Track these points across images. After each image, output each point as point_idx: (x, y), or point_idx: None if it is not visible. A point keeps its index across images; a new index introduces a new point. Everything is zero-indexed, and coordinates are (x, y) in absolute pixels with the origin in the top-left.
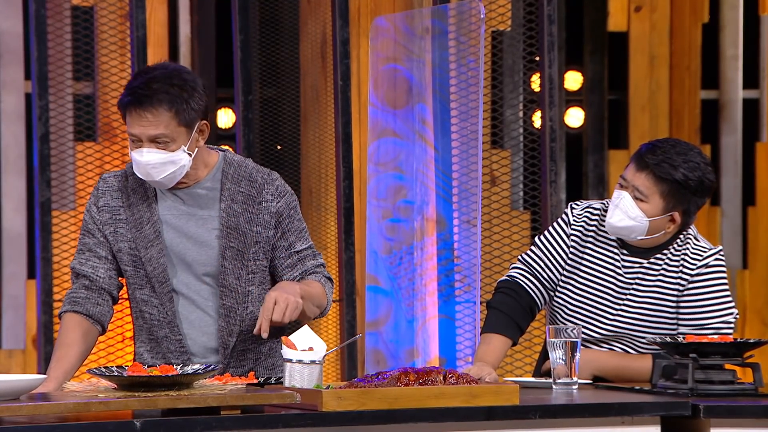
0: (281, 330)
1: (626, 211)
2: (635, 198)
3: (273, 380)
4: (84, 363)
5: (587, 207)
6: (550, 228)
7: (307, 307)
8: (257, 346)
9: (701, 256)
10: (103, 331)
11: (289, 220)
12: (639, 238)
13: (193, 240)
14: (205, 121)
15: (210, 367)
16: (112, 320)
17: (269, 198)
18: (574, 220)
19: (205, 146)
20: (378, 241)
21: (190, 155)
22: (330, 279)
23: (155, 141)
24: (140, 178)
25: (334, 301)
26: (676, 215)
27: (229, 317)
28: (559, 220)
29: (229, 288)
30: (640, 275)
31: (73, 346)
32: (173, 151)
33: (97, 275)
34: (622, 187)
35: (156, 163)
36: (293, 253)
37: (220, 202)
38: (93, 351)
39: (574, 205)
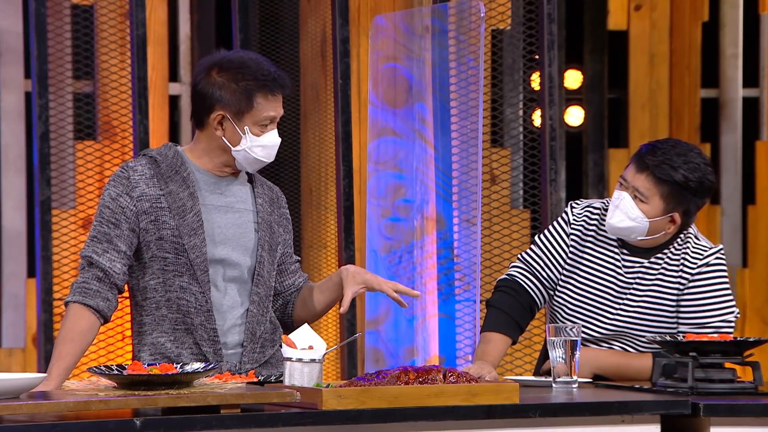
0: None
1: (626, 212)
2: (635, 199)
3: (273, 379)
4: (84, 360)
5: (587, 206)
6: (550, 227)
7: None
8: (275, 336)
9: (702, 255)
10: (106, 323)
11: (290, 231)
12: (639, 238)
13: (233, 231)
14: None
15: (210, 366)
16: (112, 319)
17: (284, 205)
18: (574, 219)
19: None
20: (377, 240)
21: None
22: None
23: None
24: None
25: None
26: (677, 216)
27: (260, 306)
28: (559, 219)
29: (263, 279)
30: (640, 275)
31: (77, 342)
32: None
33: (113, 270)
34: (621, 187)
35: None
36: (294, 261)
37: (256, 198)
38: (93, 349)
39: (574, 204)
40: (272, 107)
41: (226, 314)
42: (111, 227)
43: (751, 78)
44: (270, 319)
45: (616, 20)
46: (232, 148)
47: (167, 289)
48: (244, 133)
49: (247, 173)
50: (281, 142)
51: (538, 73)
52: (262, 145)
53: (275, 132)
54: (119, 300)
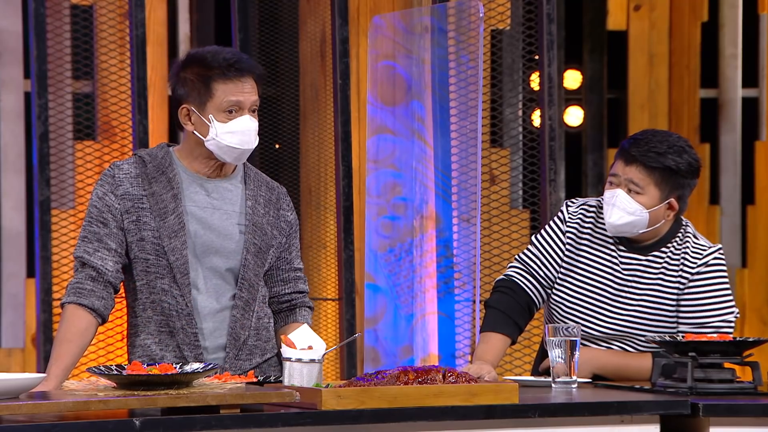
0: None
1: (624, 208)
2: (630, 192)
3: (272, 379)
4: (83, 360)
5: (583, 204)
6: (546, 226)
7: None
8: (262, 343)
9: (701, 255)
10: (103, 322)
11: (295, 236)
12: (641, 231)
13: (217, 233)
14: None
15: (209, 366)
16: (111, 319)
17: (286, 208)
18: (569, 218)
19: None
20: (374, 238)
21: None
22: (311, 308)
23: (251, 109)
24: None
25: (333, 300)
26: (673, 201)
27: (245, 310)
28: (555, 218)
29: (248, 282)
30: (638, 272)
31: (74, 342)
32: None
33: (105, 268)
34: (612, 185)
35: (257, 129)
36: (292, 269)
37: (246, 200)
38: (92, 349)
39: (569, 203)
40: (232, 92)
41: (209, 318)
42: (100, 226)
43: (750, 78)
44: (262, 325)
45: (615, 20)
46: (204, 140)
47: (151, 290)
48: (210, 122)
49: (245, 174)
50: (281, 143)
51: (537, 73)
52: (230, 131)
53: (246, 117)
54: (118, 299)
